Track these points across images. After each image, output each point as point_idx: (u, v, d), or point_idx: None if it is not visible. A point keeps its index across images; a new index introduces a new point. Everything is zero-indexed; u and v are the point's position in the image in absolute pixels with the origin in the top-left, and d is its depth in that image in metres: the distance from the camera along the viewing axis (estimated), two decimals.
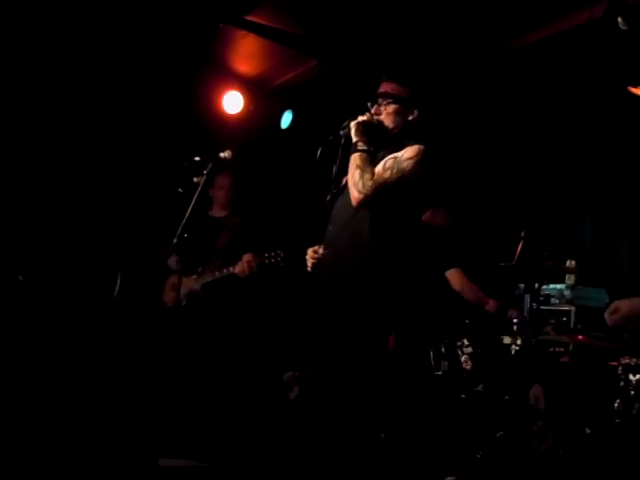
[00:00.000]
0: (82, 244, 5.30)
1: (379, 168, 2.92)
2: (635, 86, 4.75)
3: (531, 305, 4.06)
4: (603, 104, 5.07)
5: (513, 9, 4.49)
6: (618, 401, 3.84)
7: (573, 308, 4.56)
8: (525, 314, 4.21)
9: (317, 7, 4.64)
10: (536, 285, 4.07)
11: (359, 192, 2.86)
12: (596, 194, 5.89)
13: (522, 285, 4.25)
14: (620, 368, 3.91)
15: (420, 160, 2.91)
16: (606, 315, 2.54)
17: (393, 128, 3.11)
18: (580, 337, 4.33)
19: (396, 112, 3.13)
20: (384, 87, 3.20)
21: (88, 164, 5.37)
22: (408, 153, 2.93)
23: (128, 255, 5.06)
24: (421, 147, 2.94)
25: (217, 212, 4.98)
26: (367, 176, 2.86)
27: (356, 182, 2.88)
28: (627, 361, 3.89)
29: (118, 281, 4.46)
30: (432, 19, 4.71)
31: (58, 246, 5.20)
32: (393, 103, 3.12)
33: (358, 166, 2.90)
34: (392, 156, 2.95)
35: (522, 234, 3.34)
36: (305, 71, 5.45)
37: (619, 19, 3.40)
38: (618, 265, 5.78)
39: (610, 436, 3.86)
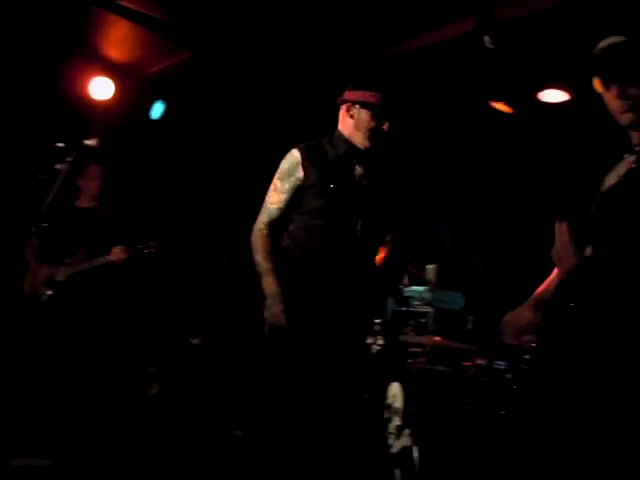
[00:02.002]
0: None
1: None
2: (496, 101, 5.06)
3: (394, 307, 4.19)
4: (465, 114, 5.33)
5: (388, 18, 4.61)
6: (468, 401, 4.05)
7: (432, 310, 4.74)
8: (387, 315, 4.34)
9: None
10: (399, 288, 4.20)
11: None
12: (453, 199, 6.15)
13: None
14: (472, 369, 4.13)
15: None
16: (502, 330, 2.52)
17: None
18: (437, 338, 4.49)
19: None
20: None
21: None
22: None
23: None
24: None
25: (84, 202, 4.82)
26: None
27: None
28: (480, 362, 4.09)
29: None
30: (305, 24, 4.78)
31: None
32: None
33: None
34: None
35: (388, 238, 3.41)
36: (178, 62, 5.40)
37: (486, 37, 3.59)
38: (474, 271, 6.10)
39: (463, 433, 4.03)
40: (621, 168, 2.24)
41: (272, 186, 3.11)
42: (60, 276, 4.52)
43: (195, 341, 5.11)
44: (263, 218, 3.10)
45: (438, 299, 4.79)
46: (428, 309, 4.72)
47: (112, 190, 4.94)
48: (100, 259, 4.48)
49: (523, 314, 2.34)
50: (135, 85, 5.62)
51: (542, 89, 4.88)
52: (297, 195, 3.05)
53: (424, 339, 4.59)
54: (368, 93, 3.14)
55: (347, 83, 3.18)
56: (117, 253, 4.44)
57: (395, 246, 3.45)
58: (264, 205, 3.11)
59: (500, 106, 5.08)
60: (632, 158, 2.14)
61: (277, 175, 3.10)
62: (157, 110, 5.45)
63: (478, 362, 4.10)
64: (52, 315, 4.45)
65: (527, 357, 2.71)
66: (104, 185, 4.84)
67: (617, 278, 2.09)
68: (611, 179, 2.27)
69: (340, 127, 3.21)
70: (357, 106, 3.14)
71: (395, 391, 4.35)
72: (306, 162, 3.04)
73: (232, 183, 5.86)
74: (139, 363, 5.10)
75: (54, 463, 3.82)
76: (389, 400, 4.35)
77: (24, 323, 4.40)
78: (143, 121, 5.50)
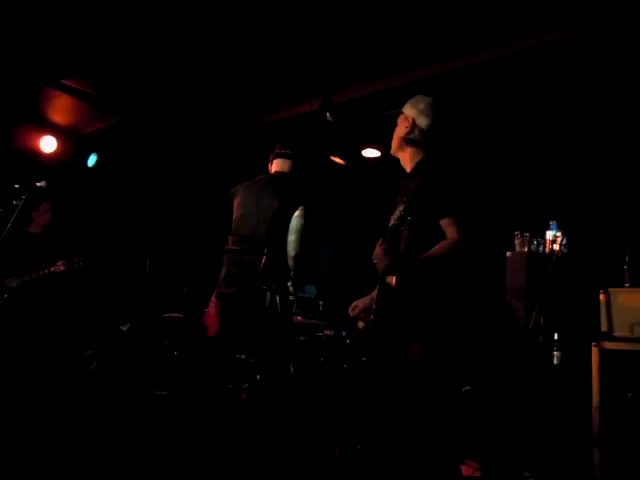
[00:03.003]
0: None
1: None
2: (335, 155, 5.28)
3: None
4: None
5: (259, 93, 4.67)
6: (321, 359, 4.10)
7: (294, 298, 4.77)
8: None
9: (117, 79, 4.63)
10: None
11: None
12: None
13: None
14: (324, 337, 4.21)
15: None
16: (349, 311, 2.56)
17: None
18: (299, 318, 4.62)
19: None
20: None
21: None
22: None
23: None
24: None
25: (34, 229, 4.78)
26: None
27: None
28: (328, 332, 4.19)
29: None
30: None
31: None
32: None
33: None
34: None
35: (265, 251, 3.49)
36: (107, 125, 5.36)
37: (327, 114, 3.73)
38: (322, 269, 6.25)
39: (318, 381, 3.97)
40: (397, 211, 2.30)
41: None
42: (13, 283, 4.42)
43: (124, 327, 5.04)
44: None
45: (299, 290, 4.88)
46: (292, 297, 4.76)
47: (58, 219, 4.86)
48: (45, 270, 4.44)
49: (366, 300, 2.46)
50: (74, 142, 5.50)
51: (364, 148, 5.07)
52: None
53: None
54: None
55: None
56: (58, 265, 4.44)
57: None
58: None
59: (337, 159, 5.26)
60: (401, 206, 2.18)
61: None
62: (92, 160, 5.39)
63: (327, 332, 4.20)
64: (8, 313, 4.35)
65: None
66: (52, 216, 4.79)
67: (414, 264, 2.17)
68: (392, 220, 2.31)
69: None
70: None
71: None
72: None
73: (150, 210, 5.83)
74: (80, 347, 5.00)
75: None
76: None
77: None
78: (81, 169, 5.39)
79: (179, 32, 3.78)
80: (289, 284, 3.53)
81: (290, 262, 3.43)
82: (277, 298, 3.43)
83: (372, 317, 2.24)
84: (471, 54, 3.82)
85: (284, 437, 3.42)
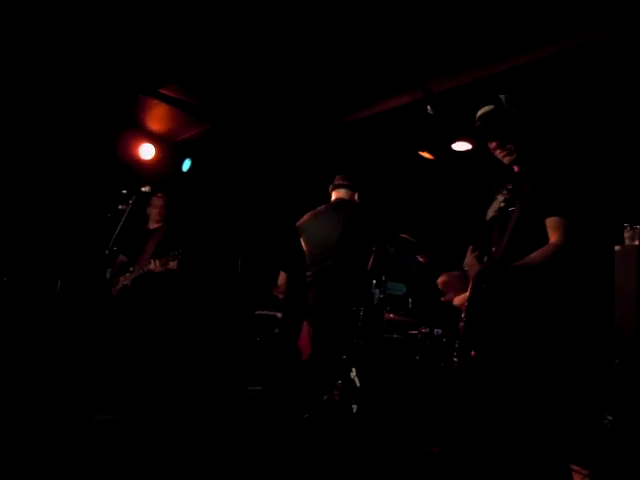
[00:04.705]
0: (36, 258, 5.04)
1: None
2: (423, 151, 5.16)
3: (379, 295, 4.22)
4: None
5: (346, 90, 4.59)
6: (417, 357, 4.09)
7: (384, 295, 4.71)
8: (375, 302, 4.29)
9: (211, 87, 4.73)
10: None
11: None
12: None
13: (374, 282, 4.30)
14: (419, 335, 4.16)
15: None
16: (438, 282, 2.45)
17: None
18: (391, 315, 4.63)
19: None
20: None
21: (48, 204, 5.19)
22: None
23: (70, 264, 4.89)
24: None
25: (152, 225, 4.86)
26: None
27: None
28: (424, 330, 4.13)
29: (58, 285, 4.36)
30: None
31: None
32: None
33: None
34: None
35: (374, 248, 3.55)
36: (201, 131, 5.47)
37: (428, 107, 3.65)
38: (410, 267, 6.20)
39: (414, 380, 3.98)
40: (496, 203, 2.27)
41: None
42: (127, 280, 4.52)
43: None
44: None
45: (389, 287, 4.85)
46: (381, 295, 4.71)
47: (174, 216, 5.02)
48: (145, 267, 4.41)
49: (454, 275, 2.34)
50: (170, 148, 5.70)
51: (454, 141, 4.91)
52: None
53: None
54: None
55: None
56: (170, 263, 4.36)
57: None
58: None
59: (426, 154, 5.14)
60: (505, 192, 2.14)
61: None
62: (186, 165, 5.58)
63: (423, 330, 4.15)
64: (125, 308, 4.46)
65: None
66: (166, 211, 4.86)
67: (507, 273, 2.09)
68: (491, 212, 2.30)
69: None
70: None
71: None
72: None
73: (241, 211, 5.99)
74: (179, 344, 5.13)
75: (126, 417, 3.89)
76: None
77: (108, 312, 4.45)
78: (176, 173, 5.62)
79: (262, 32, 3.79)
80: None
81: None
82: (361, 316, 3.54)
83: (464, 318, 2.17)
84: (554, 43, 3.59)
85: (380, 436, 3.46)
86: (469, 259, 2.15)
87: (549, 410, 2.09)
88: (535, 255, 2.06)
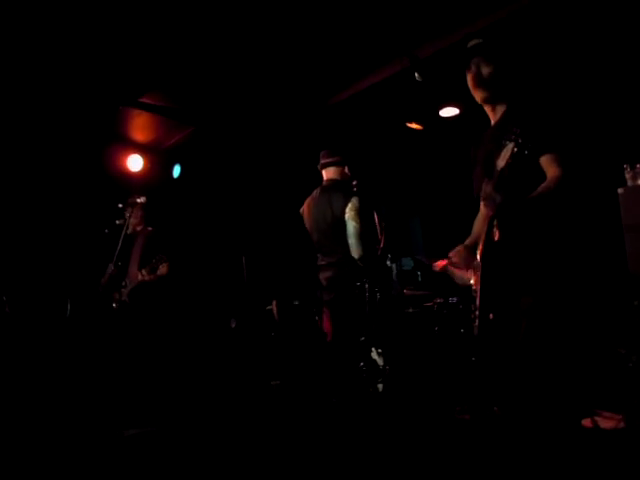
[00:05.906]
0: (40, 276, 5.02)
1: None
2: (411, 122, 5.10)
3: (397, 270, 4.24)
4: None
5: (330, 69, 4.47)
6: (436, 328, 4.08)
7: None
8: (394, 277, 4.30)
9: (191, 90, 4.70)
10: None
11: None
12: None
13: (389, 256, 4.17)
14: (435, 306, 4.14)
15: None
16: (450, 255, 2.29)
17: None
18: (405, 290, 4.43)
19: None
20: None
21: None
22: None
23: (74, 283, 4.85)
24: None
25: (132, 229, 4.62)
26: None
27: None
28: (439, 300, 4.12)
29: (68, 305, 4.33)
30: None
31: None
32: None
33: None
34: None
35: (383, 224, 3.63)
36: (187, 135, 5.45)
37: (416, 74, 3.60)
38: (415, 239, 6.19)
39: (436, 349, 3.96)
40: (506, 152, 2.10)
41: None
42: (124, 296, 4.44)
43: (232, 324, 5.13)
44: None
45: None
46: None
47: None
48: (139, 277, 4.32)
49: (462, 249, 2.28)
50: (158, 156, 5.66)
51: (442, 107, 4.85)
52: None
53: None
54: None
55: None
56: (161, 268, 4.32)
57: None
58: None
59: (414, 125, 5.06)
60: (510, 145, 1.99)
61: None
62: (176, 171, 5.54)
63: (438, 301, 4.13)
64: (129, 319, 4.37)
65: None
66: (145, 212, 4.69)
67: (526, 204, 2.03)
68: (501, 162, 2.09)
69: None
70: None
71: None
72: None
73: (238, 208, 5.93)
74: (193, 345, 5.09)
75: (156, 429, 3.87)
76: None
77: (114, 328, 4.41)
78: (167, 180, 5.58)
79: (238, 18, 3.69)
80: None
81: (360, 264, 3.59)
82: (366, 292, 3.55)
83: (479, 272, 2.06)
84: None
85: (410, 411, 3.46)
86: (487, 189, 2.08)
87: (566, 360, 2.07)
88: (543, 187, 2.02)
